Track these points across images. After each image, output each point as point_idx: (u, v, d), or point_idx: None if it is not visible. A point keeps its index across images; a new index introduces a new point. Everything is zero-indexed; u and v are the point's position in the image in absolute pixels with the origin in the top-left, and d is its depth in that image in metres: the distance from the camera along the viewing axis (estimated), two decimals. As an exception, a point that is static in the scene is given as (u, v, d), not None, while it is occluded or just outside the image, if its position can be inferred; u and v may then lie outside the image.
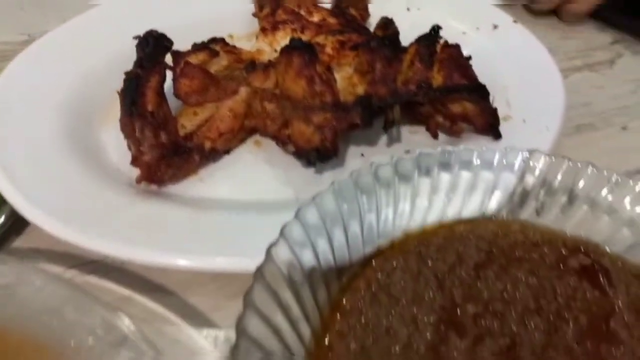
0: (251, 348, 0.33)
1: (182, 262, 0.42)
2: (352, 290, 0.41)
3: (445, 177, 0.48)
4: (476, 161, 0.48)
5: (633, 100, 0.73)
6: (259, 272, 0.36)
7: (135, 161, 0.48)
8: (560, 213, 0.47)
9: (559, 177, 0.47)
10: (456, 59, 0.54)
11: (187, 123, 0.52)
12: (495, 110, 0.54)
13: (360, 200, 0.45)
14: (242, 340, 0.32)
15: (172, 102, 0.54)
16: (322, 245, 0.41)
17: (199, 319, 0.46)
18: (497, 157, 0.47)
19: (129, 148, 0.49)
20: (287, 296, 0.37)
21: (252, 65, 0.54)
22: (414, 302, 0.40)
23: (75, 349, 0.34)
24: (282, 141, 0.53)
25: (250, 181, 0.54)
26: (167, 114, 0.50)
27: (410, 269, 0.42)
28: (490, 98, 0.55)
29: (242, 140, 0.56)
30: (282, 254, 0.38)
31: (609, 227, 0.45)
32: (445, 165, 0.47)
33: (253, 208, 0.50)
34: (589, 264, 0.43)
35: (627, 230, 0.45)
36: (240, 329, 0.33)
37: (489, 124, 0.54)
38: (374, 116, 0.50)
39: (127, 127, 0.48)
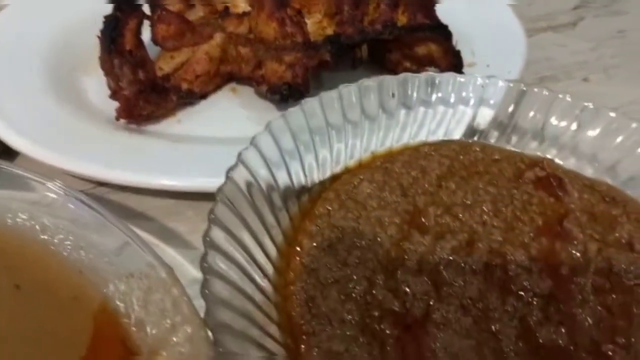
0: (223, 234, 0.35)
1: (166, 181, 0.45)
2: (321, 200, 0.43)
3: (410, 114, 0.50)
4: (436, 96, 0.51)
5: (593, 57, 0.77)
6: (230, 173, 0.38)
7: (114, 95, 0.50)
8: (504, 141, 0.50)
9: (512, 106, 0.50)
10: (420, 1, 0.57)
11: (165, 66, 0.54)
12: (458, 52, 0.58)
13: (330, 133, 0.47)
14: (214, 226, 0.35)
15: (151, 52, 0.57)
16: (294, 163, 0.44)
17: (177, 241, 0.47)
18: (454, 92, 0.50)
19: (109, 86, 0.51)
20: (255, 191, 0.39)
21: (226, 11, 0.57)
22: (380, 207, 0.42)
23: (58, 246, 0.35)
24: (257, 81, 0.55)
25: (226, 122, 0.56)
26: (144, 56, 0.52)
27: (376, 181, 0.44)
28: (454, 41, 0.58)
29: (219, 86, 0.59)
30: (250, 157, 0.40)
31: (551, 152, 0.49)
32: (407, 105, 0.50)
33: (229, 142, 0.52)
34: (544, 175, 0.46)
35: (570, 154, 0.49)
36: (213, 218, 0.35)
37: (453, 65, 0.57)
38: (342, 54, 0.53)
39: (107, 64, 0.50)
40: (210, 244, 0.33)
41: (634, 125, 0.46)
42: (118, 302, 0.33)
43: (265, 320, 0.34)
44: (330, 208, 0.42)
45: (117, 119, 0.51)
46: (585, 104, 0.48)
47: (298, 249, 0.40)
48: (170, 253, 0.46)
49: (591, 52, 0.78)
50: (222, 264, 0.33)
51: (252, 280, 0.35)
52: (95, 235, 0.35)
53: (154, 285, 0.32)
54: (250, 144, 0.41)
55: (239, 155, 0.39)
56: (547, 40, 0.79)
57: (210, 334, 0.29)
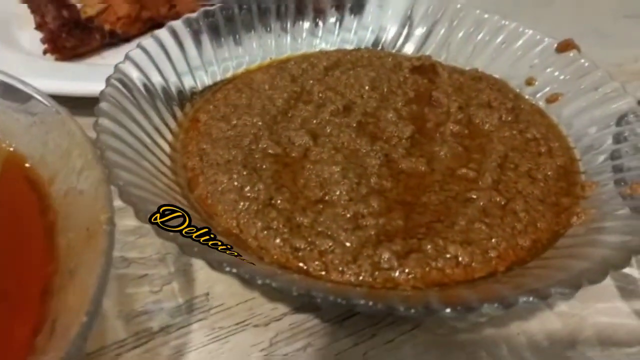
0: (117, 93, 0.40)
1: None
2: (221, 90, 0.49)
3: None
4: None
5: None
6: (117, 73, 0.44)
7: (39, 27, 0.56)
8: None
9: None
10: None
11: (89, 9, 0.60)
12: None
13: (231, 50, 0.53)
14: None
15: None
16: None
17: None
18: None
19: (35, 22, 0.57)
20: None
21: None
22: (271, 89, 0.48)
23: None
24: (173, 19, 0.61)
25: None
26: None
27: (270, 73, 0.50)
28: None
29: (141, 31, 0.65)
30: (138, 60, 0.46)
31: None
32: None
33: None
34: (420, 64, 0.52)
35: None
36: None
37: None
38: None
39: (34, 2, 0.56)
40: (104, 97, 0.39)
41: (495, 17, 0.54)
42: (24, 147, 0.38)
43: (157, 161, 0.39)
44: (227, 93, 0.48)
45: (45, 52, 0.57)
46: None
47: (195, 120, 0.45)
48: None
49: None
50: (116, 111, 0.38)
51: (143, 130, 0.40)
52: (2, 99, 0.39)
53: (53, 126, 0.37)
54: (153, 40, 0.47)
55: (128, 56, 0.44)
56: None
57: (98, 151, 0.34)
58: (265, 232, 0.35)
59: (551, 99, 0.48)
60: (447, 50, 0.55)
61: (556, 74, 0.49)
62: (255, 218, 0.36)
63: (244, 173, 0.39)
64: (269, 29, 0.55)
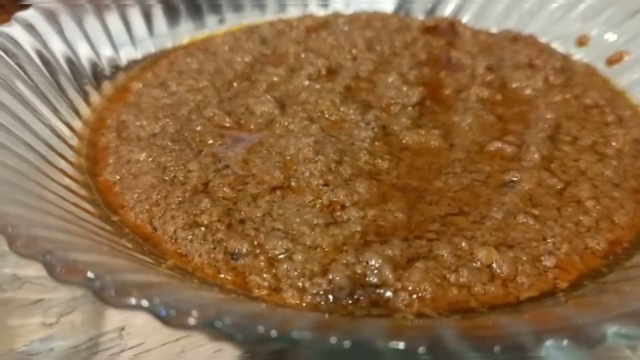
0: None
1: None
2: (168, 56, 0.37)
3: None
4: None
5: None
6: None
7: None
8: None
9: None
10: None
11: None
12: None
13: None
14: None
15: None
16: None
17: None
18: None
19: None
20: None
21: None
22: (232, 51, 0.36)
23: None
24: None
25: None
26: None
27: (235, 36, 0.38)
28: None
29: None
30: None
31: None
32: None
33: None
34: (433, 25, 0.40)
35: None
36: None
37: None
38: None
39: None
40: None
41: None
42: None
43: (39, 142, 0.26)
44: (175, 59, 0.36)
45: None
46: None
47: (125, 89, 0.33)
48: None
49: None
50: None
51: (31, 107, 0.27)
52: None
53: None
54: None
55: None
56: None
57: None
58: (190, 230, 0.23)
59: (613, 60, 0.35)
60: (468, 11, 0.42)
61: (617, 27, 0.36)
62: (178, 210, 0.23)
63: (175, 148, 0.27)
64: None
